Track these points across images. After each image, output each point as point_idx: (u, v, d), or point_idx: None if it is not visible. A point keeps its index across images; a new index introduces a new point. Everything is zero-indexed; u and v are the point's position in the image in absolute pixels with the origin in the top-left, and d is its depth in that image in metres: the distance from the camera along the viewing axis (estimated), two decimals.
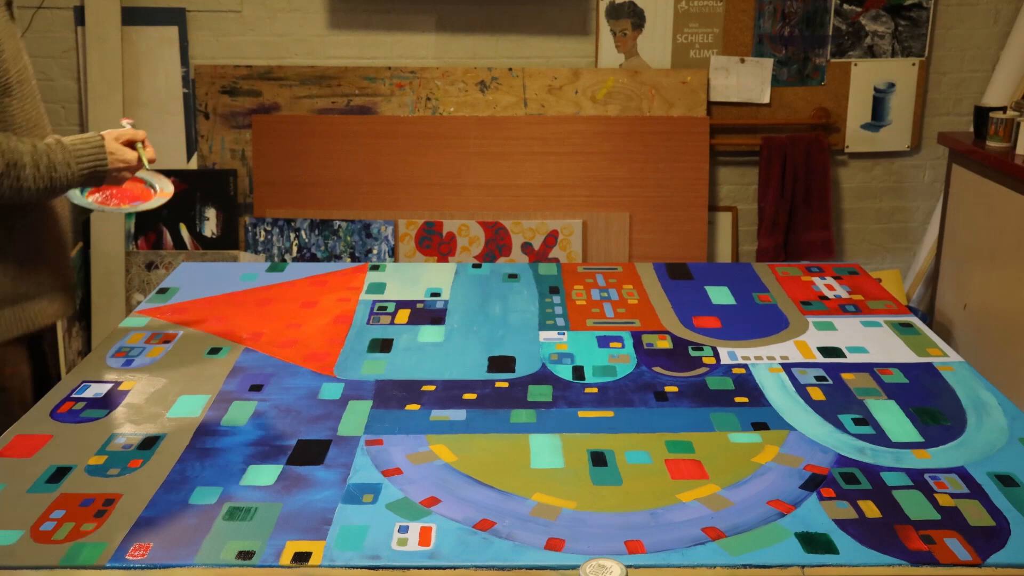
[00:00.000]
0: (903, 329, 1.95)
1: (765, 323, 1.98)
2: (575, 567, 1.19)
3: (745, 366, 1.78)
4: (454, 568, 1.20)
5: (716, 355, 1.83)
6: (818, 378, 1.73)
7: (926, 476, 1.40)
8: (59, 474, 1.41)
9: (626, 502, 1.34)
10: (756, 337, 1.91)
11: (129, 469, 1.43)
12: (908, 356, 1.83)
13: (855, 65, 3.75)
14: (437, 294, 2.15)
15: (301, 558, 1.22)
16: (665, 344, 1.88)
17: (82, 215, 3.70)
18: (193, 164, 3.80)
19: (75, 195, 1.81)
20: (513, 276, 2.27)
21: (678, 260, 3.64)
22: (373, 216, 3.76)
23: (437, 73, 3.74)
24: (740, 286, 2.19)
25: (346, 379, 1.73)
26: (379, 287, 2.19)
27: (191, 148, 3.80)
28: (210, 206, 3.80)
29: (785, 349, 1.85)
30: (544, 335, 1.92)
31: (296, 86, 3.74)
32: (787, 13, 3.69)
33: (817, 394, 1.67)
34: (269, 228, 3.77)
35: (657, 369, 1.77)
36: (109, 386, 1.70)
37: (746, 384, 1.71)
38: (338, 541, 1.25)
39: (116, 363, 1.80)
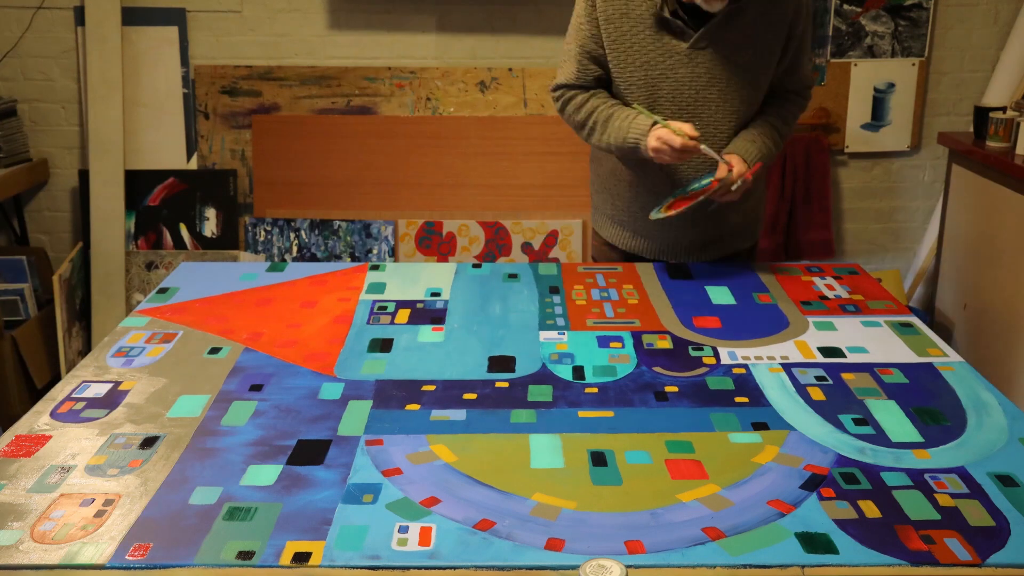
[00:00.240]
0: (903, 329, 1.95)
1: (765, 323, 1.98)
2: (575, 567, 1.19)
3: (745, 366, 1.78)
4: (454, 568, 1.20)
5: (716, 355, 1.83)
6: (818, 378, 1.73)
7: (926, 476, 1.40)
8: (59, 474, 1.41)
9: (626, 502, 1.34)
10: (756, 337, 1.91)
11: (129, 469, 1.43)
12: (908, 356, 1.83)
13: (855, 65, 3.75)
14: (437, 294, 2.15)
15: (301, 558, 1.22)
16: (665, 344, 1.88)
17: None
18: (193, 164, 3.80)
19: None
20: (513, 276, 2.27)
21: None
22: (373, 216, 3.76)
23: (437, 73, 3.74)
24: (740, 286, 2.19)
25: (346, 379, 1.73)
26: (379, 287, 2.19)
27: (191, 148, 3.80)
28: (210, 206, 3.80)
29: (785, 349, 1.85)
30: (544, 335, 1.92)
31: (296, 86, 3.74)
32: None
33: (817, 394, 1.67)
34: (269, 228, 3.77)
35: (657, 369, 1.77)
36: (109, 386, 1.70)
37: (746, 384, 1.71)
38: (338, 541, 1.25)
39: (116, 363, 1.80)
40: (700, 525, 1.28)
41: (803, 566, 1.20)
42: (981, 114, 3.35)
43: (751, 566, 1.20)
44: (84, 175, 3.75)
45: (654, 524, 1.29)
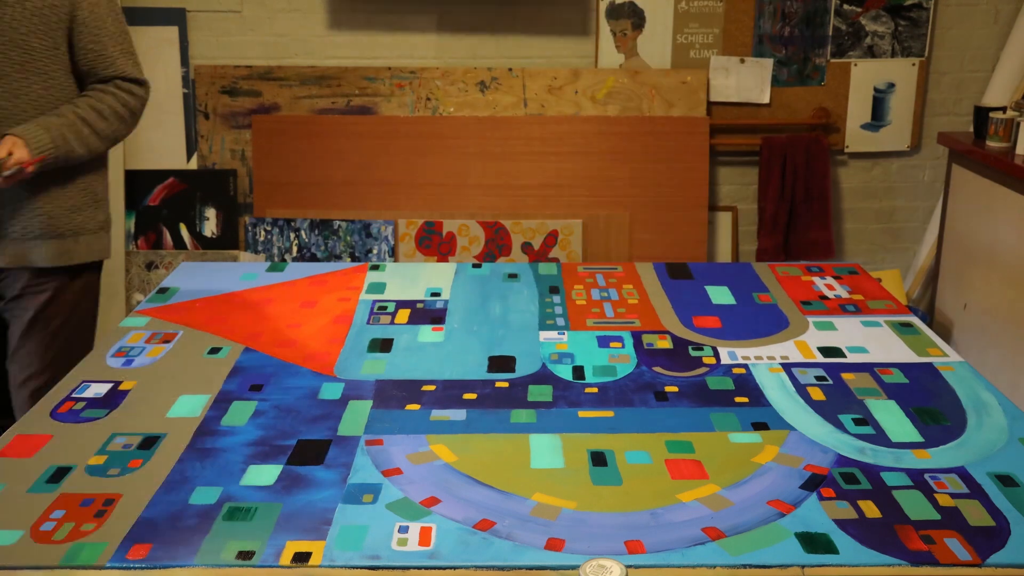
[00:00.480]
0: (903, 329, 1.95)
1: (765, 323, 1.98)
2: (575, 567, 1.19)
3: (745, 366, 1.78)
4: (454, 568, 1.20)
5: (716, 355, 1.83)
6: (818, 378, 1.73)
7: (926, 476, 1.40)
8: (59, 474, 1.41)
9: (626, 502, 1.34)
10: (756, 337, 1.91)
11: (129, 469, 1.43)
12: (908, 356, 1.83)
13: (855, 65, 3.75)
14: (437, 294, 2.15)
15: (301, 558, 1.22)
16: (665, 344, 1.88)
17: None
18: (193, 164, 3.80)
19: None
20: (513, 276, 2.27)
21: (678, 260, 3.64)
22: (373, 216, 3.76)
23: (437, 73, 3.74)
24: (740, 286, 2.19)
25: (346, 379, 1.73)
26: (379, 287, 2.19)
27: (191, 148, 3.80)
28: (210, 206, 3.80)
29: (785, 349, 1.85)
30: (544, 335, 1.92)
31: (296, 86, 3.74)
32: (787, 13, 3.69)
33: (817, 394, 1.67)
34: (269, 228, 3.77)
35: (657, 369, 1.77)
36: (109, 386, 1.70)
37: (746, 384, 1.71)
38: (338, 541, 1.25)
39: (116, 363, 1.80)
40: (700, 525, 1.28)
41: (803, 566, 1.20)
42: (981, 114, 3.35)
43: (751, 566, 1.20)
44: None
45: (654, 524, 1.29)
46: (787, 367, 1.77)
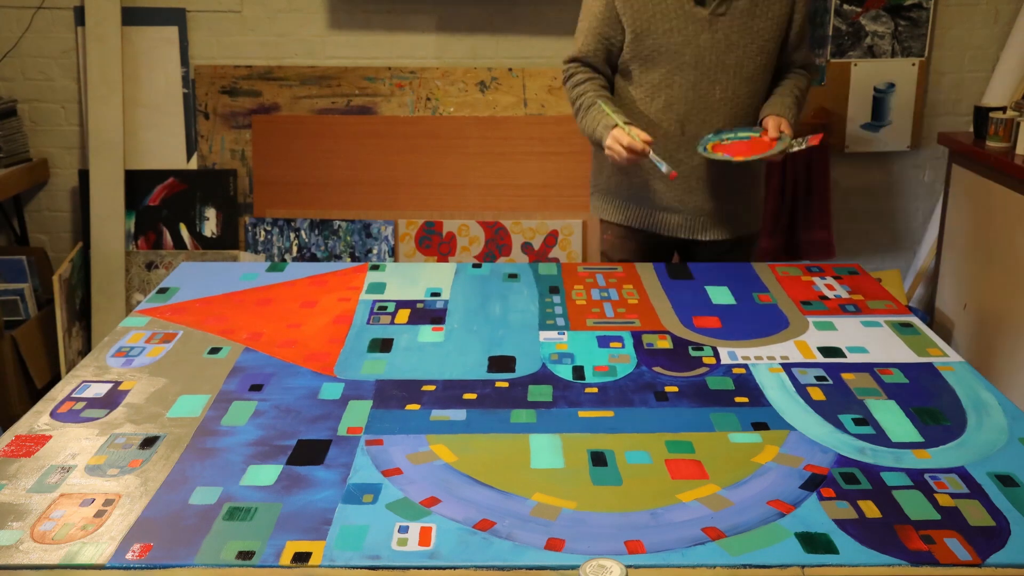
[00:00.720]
0: (903, 329, 1.95)
1: (765, 323, 1.98)
2: (575, 567, 1.19)
3: (745, 366, 1.78)
4: (454, 568, 1.20)
5: (716, 355, 1.83)
6: (818, 378, 1.73)
7: (926, 476, 1.40)
8: (59, 474, 1.41)
9: (626, 502, 1.34)
10: (756, 337, 1.91)
11: (129, 469, 1.43)
12: (908, 356, 1.83)
13: (855, 65, 3.75)
14: (437, 294, 2.15)
15: (301, 558, 1.22)
16: (665, 344, 1.88)
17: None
18: (193, 164, 3.80)
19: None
20: (513, 276, 2.27)
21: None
22: (373, 216, 3.76)
23: (437, 73, 3.74)
24: (740, 286, 2.19)
25: (346, 379, 1.73)
26: (379, 287, 2.19)
27: (191, 148, 3.80)
28: (210, 206, 3.80)
29: (785, 349, 1.85)
30: (544, 335, 1.92)
31: (296, 86, 3.74)
32: None
33: (817, 394, 1.67)
34: (269, 228, 3.77)
35: (657, 369, 1.77)
36: (109, 386, 1.70)
37: (746, 384, 1.71)
38: (338, 541, 1.25)
39: (116, 363, 1.80)
40: (700, 525, 1.28)
41: (803, 566, 1.20)
42: (981, 114, 3.34)
43: (751, 566, 1.20)
44: (84, 175, 3.75)
45: (654, 524, 1.29)
46: (787, 367, 1.77)
